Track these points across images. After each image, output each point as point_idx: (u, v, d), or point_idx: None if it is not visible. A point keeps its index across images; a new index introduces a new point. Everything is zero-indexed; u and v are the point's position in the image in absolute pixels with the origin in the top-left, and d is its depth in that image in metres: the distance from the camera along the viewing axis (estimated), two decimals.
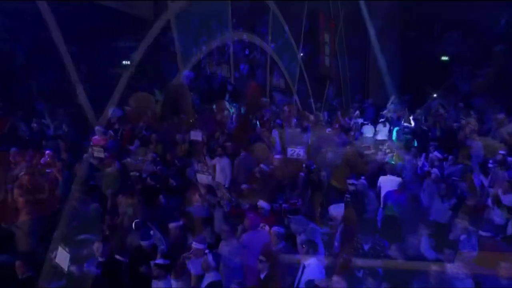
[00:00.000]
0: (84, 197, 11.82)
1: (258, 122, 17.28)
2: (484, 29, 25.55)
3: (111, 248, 9.68)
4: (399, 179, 13.06)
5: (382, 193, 13.07)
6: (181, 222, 10.17)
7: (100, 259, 8.83)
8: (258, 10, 26.54)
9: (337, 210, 11.64)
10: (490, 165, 13.53)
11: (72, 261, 8.71)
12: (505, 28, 25.77)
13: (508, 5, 24.87)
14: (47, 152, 13.88)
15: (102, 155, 13.99)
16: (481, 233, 9.72)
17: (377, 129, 17.56)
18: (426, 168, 14.05)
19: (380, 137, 17.18)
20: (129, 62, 22.20)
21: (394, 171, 13.71)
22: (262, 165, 13.54)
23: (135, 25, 24.68)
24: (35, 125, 16.13)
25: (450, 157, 14.62)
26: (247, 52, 23.98)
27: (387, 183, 13.11)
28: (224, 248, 9.22)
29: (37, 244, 10.03)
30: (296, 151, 14.40)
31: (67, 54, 20.98)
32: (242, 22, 25.77)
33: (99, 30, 23.40)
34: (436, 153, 14.37)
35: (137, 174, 13.20)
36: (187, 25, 25.00)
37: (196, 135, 15.12)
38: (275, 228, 9.45)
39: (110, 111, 17.57)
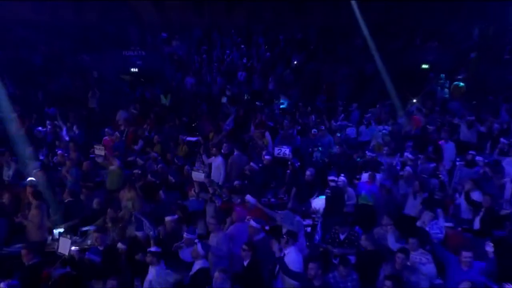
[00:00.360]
0: (89, 192, 11.91)
1: (252, 124, 17.04)
2: (460, 39, 25.66)
3: (113, 238, 9.80)
4: (378, 175, 12.95)
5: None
6: (176, 216, 10.13)
7: (100, 248, 8.82)
8: (255, 21, 26.74)
9: (319, 204, 11.72)
10: (457, 163, 13.55)
11: (75, 248, 8.98)
12: (477, 39, 25.74)
13: (479, 18, 24.89)
14: (59, 152, 13.98)
15: (102, 153, 14.07)
16: (446, 224, 9.77)
17: (360, 130, 17.40)
18: (398, 167, 13.92)
19: (363, 138, 17.03)
20: (136, 69, 22.70)
21: (373, 169, 13.33)
22: (252, 164, 13.51)
23: (142, 35, 25.15)
24: (49, 127, 16.09)
25: (421, 156, 14.32)
26: (244, 61, 24.01)
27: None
28: (213, 239, 9.19)
29: (44, 235, 10.01)
30: (283, 150, 14.33)
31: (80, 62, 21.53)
32: (241, 32, 26.28)
33: (110, 40, 24.05)
34: (407, 154, 14.09)
35: (139, 172, 13.08)
36: (190, 35, 25.51)
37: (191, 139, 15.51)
38: (252, 222, 9.49)
39: (120, 114, 17.65)
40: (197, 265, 8.31)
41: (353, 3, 22.73)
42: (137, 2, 26.01)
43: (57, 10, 24.19)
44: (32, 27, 22.74)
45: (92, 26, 24.78)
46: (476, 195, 11.10)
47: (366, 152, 14.96)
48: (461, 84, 22.67)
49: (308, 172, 12.89)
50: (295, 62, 23.72)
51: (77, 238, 10.02)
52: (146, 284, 8.27)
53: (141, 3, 26.09)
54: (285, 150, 14.40)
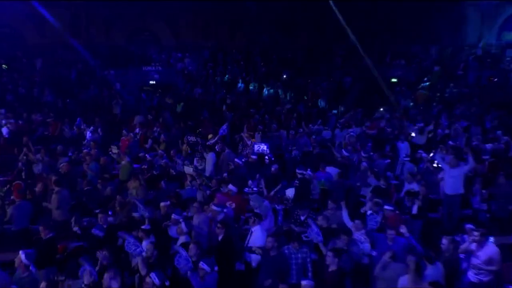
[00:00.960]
0: (104, 182, 11.85)
1: (246, 127, 16.88)
2: (421, 58, 25.74)
3: (120, 219, 9.77)
4: (337, 170, 12.90)
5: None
6: (168, 202, 10.15)
7: (104, 225, 8.91)
8: (253, 43, 26.81)
9: (290, 192, 11.81)
10: (404, 159, 13.71)
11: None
12: (436, 57, 25.88)
13: (437, 41, 25.01)
14: (84, 150, 14.01)
15: (116, 151, 14.37)
16: (386, 207, 9.77)
17: (335, 133, 17.18)
18: (356, 162, 13.80)
19: (337, 140, 16.63)
20: (154, 82, 22.95)
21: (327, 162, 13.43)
22: (236, 159, 13.37)
23: (160, 54, 25.07)
24: (75, 129, 16.19)
25: (376, 154, 14.30)
26: (244, 75, 23.82)
27: (331, 171, 12.75)
28: (195, 219, 9.25)
29: (66, 215, 10.11)
30: (261, 147, 14.50)
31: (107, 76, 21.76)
32: (241, 52, 26.17)
33: (133, 58, 24.08)
34: (362, 152, 14.01)
35: (146, 166, 13.08)
36: (198, 54, 25.50)
37: (192, 137, 15.30)
38: (213, 206, 9.57)
39: (136, 118, 17.68)
40: (181, 240, 8.51)
41: (333, 29, 22.87)
42: (156, 27, 26.45)
43: (91, 34, 24.69)
44: (70, 48, 22.70)
45: (118, 46, 24.90)
46: (410, 187, 11.26)
47: (343, 150, 14.72)
48: (424, 91, 22.77)
49: (272, 168, 12.81)
50: (284, 76, 23.67)
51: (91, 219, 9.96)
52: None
53: (159, 28, 26.48)
54: (263, 147, 14.56)
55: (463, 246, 7.89)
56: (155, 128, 16.56)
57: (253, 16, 25.47)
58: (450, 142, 14.78)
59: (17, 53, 22.67)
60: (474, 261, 7.60)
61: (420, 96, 22.51)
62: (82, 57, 22.47)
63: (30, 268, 7.27)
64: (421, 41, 25.56)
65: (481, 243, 7.59)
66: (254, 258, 8.47)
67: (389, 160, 14.03)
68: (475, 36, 27.26)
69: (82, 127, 16.50)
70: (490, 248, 7.70)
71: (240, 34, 26.80)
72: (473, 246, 7.61)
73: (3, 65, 20.36)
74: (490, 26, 27.23)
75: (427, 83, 23.42)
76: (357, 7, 23.31)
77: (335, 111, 20.37)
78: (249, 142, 15.65)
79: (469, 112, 19.01)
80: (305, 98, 22.43)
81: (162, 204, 10.03)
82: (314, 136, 16.48)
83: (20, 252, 7.32)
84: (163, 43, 25.82)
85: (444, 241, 7.98)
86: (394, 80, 23.72)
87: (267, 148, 14.51)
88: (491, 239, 8.06)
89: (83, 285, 6.93)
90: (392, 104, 20.75)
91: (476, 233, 7.64)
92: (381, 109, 19.82)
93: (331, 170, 12.86)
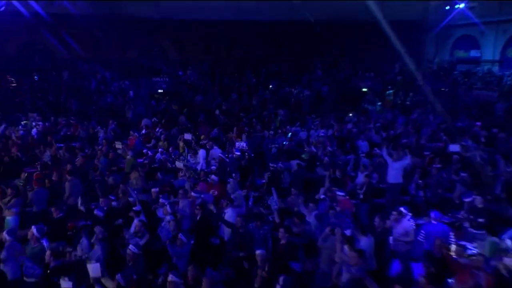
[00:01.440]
0: (111, 173, 11.80)
1: (235, 128, 16.84)
2: (386, 72, 26.17)
3: (122, 203, 9.76)
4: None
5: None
6: (157, 189, 10.22)
7: (105, 208, 9.02)
8: (246, 58, 26.81)
9: (262, 182, 12.03)
10: (361, 155, 13.77)
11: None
12: (398, 71, 25.91)
13: (399, 58, 24.23)
14: (98, 148, 13.94)
15: (121, 147, 14.22)
16: (338, 193, 9.98)
17: (310, 134, 16.86)
18: (322, 157, 13.54)
19: (312, 139, 16.03)
20: (162, 91, 22.91)
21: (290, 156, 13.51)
22: (220, 154, 13.25)
23: (167, 67, 25.13)
24: (91, 130, 16.23)
25: (339, 150, 14.46)
26: (237, 85, 23.85)
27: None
28: (180, 203, 9.41)
29: (77, 200, 10.13)
30: (241, 144, 14.43)
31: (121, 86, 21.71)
32: (236, 67, 26.10)
33: (144, 70, 24.05)
34: (328, 148, 14.07)
35: (147, 161, 13.15)
36: (199, 67, 25.36)
37: (188, 136, 15.18)
38: (193, 192, 9.86)
39: (143, 121, 17.58)
40: (166, 219, 8.57)
41: (314, 47, 23.13)
42: (164, 44, 26.58)
43: (108, 50, 24.77)
44: (90, 62, 22.93)
45: (131, 60, 24.95)
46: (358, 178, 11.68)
47: (312, 147, 14.73)
48: (391, 97, 22.75)
49: (242, 162, 12.94)
50: (270, 86, 23.67)
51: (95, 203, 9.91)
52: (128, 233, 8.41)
53: (166, 45, 26.63)
54: (243, 144, 14.52)
55: (388, 222, 8.25)
56: (157, 129, 16.47)
57: (246, 36, 25.57)
58: (403, 140, 14.79)
59: (48, 66, 22.75)
60: (394, 234, 8.01)
61: (387, 102, 22.43)
62: (101, 69, 22.60)
63: (41, 240, 7.37)
64: (387, 59, 25.59)
65: (398, 221, 8.05)
66: (226, 233, 8.67)
67: (351, 156, 13.98)
68: (431, 54, 27.71)
69: (96, 129, 16.50)
70: (405, 224, 8.13)
71: (234, 51, 26.84)
72: (393, 223, 8.08)
73: (10, 79, 20.34)
74: (443, 45, 27.67)
75: (391, 91, 23.33)
76: (336, 31, 23.51)
77: (313, 116, 20.29)
78: (235, 141, 15.44)
79: (422, 117, 19.03)
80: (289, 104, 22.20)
81: (152, 190, 10.15)
82: (288, 136, 16.35)
83: (33, 227, 7.48)
84: (170, 58, 25.88)
85: (376, 219, 8.38)
86: (364, 89, 23.82)
87: (245, 145, 14.44)
88: (408, 217, 8.50)
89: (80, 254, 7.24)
90: (361, 109, 21.08)
91: (394, 213, 8.16)
92: (350, 114, 19.85)
93: (294, 162, 12.80)
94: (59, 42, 21.37)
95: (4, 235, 7.48)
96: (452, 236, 8.28)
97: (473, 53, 26.62)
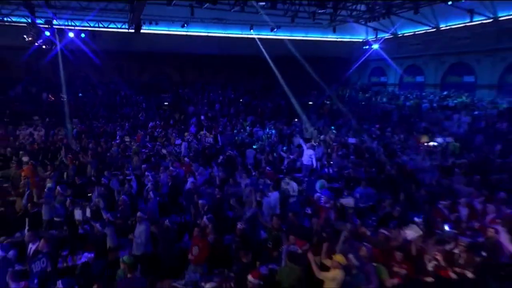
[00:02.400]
0: (122, 158, 11.96)
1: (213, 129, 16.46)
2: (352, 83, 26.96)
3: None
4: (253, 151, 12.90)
5: (248, 158, 12.56)
6: (145, 165, 10.40)
7: (108, 177, 9.20)
8: (228, 80, 26.37)
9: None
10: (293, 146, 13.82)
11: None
12: (359, 84, 26.86)
13: (336, 80, 25.16)
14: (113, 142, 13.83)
15: (128, 139, 14.42)
16: (267, 168, 10.60)
17: (265, 132, 16.59)
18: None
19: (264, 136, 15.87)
20: (167, 103, 22.58)
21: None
22: (195, 145, 13.39)
23: (171, 86, 24.75)
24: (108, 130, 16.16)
25: (280, 143, 14.52)
26: (221, 98, 23.55)
27: (251, 153, 12.74)
28: (162, 176, 9.53)
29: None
30: (208, 139, 14.65)
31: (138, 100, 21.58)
32: (220, 86, 25.62)
33: (154, 88, 23.81)
34: (280, 147, 13.97)
35: (147, 150, 13.21)
36: (193, 86, 25.10)
37: (175, 134, 15.20)
38: (171, 167, 10.12)
39: (150, 124, 17.44)
40: (149, 184, 8.65)
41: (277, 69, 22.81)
42: (168, 70, 26.10)
43: (129, 75, 24.45)
44: (116, 83, 22.80)
45: (145, 81, 24.65)
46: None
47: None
48: (328, 107, 22.73)
49: (207, 151, 12.85)
50: (241, 100, 23.56)
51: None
52: (122, 189, 8.55)
53: (171, 71, 26.19)
54: (210, 139, 14.60)
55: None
56: (157, 129, 16.37)
57: (227, 64, 25.38)
58: (321, 137, 15.04)
59: (87, 87, 22.55)
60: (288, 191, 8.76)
61: (325, 108, 22.50)
62: (124, 88, 22.50)
63: (64, 194, 7.79)
64: (325, 81, 25.12)
65: (290, 184, 8.87)
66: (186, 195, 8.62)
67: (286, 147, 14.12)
68: (355, 79, 28.12)
69: (116, 128, 16.38)
70: (294, 186, 8.87)
71: (219, 75, 26.48)
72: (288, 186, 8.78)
73: (62, 96, 20.09)
74: (363, 73, 28.08)
75: (328, 103, 23.55)
76: (291, 63, 23.17)
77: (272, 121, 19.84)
78: (210, 137, 15.28)
79: (343, 121, 19.28)
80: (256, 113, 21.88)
81: (142, 166, 10.49)
82: (247, 133, 16.31)
83: (58, 186, 7.98)
84: (173, 80, 25.65)
85: (282, 183, 9.03)
86: (310, 103, 23.85)
87: (212, 140, 14.57)
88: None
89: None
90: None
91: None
92: (296, 120, 19.87)
93: (250, 151, 12.91)
94: (94, 69, 21.02)
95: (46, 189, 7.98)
96: (332, 195, 8.63)
97: (382, 79, 26.89)
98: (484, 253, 6.31)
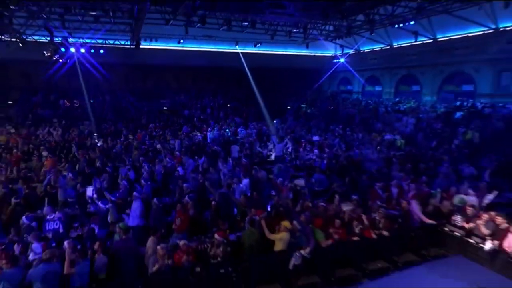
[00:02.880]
0: (125, 152, 12.17)
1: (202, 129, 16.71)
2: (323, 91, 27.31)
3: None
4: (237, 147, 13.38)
5: (233, 153, 12.98)
6: (142, 157, 10.75)
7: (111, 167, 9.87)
8: (219, 88, 26.23)
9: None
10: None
11: None
12: (329, 91, 27.37)
13: (330, 82, 25.71)
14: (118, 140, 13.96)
15: (131, 137, 14.59)
16: (243, 159, 11.05)
17: (247, 131, 16.89)
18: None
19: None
20: (165, 108, 22.35)
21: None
22: (186, 142, 13.72)
23: (168, 93, 24.18)
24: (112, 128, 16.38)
25: (258, 140, 14.84)
26: (212, 103, 23.42)
27: (234, 148, 13.24)
28: (157, 167, 9.94)
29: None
30: (198, 136, 15.06)
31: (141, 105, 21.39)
32: (212, 93, 25.34)
33: (155, 95, 23.49)
34: (257, 143, 14.10)
35: (146, 146, 13.29)
36: (189, 92, 24.75)
37: (169, 134, 15.31)
38: (168, 159, 10.56)
39: (150, 125, 17.46)
40: (144, 174, 9.20)
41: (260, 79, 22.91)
42: (168, 79, 25.65)
43: (133, 83, 24.18)
44: (121, 90, 22.84)
45: (148, 89, 24.52)
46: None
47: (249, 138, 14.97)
48: (304, 110, 22.96)
49: (194, 147, 13.18)
50: (229, 105, 23.62)
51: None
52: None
53: (170, 80, 25.82)
54: (199, 136, 14.95)
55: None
56: (156, 130, 16.54)
57: (218, 74, 25.43)
58: (292, 135, 15.68)
59: (97, 94, 22.18)
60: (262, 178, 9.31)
61: (302, 112, 22.54)
62: (128, 95, 22.53)
63: (76, 183, 8.43)
64: (301, 89, 25.87)
65: (259, 172, 9.40)
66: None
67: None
68: (327, 86, 28.37)
69: (122, 128, 16.61)
70: (263, 174, 9.45)
71: (210, 83, 26.42)
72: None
73: (76, 102, 20.27)
74: (333, 82, 28.31)
75: (304, 106, 23.84)
76: (271, 73, 23.62)
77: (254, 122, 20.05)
78: (199, 135, 15.61)
79: (314, 122, 19.48)
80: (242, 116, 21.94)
81: (140, 158, 10.97)
82: (232, 132, 16.41)
83: (70, 173, 8.65)
84: (171, 88, 25.49)
85: (254, 171, 9.51)
86: (288, 107, 24.02)
87: (200, 137, 14.86)
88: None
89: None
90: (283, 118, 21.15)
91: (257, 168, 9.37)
92: (274, 121, 19.90)
93: (234, 147, 13.40)
94: (104, 78, 20.74)
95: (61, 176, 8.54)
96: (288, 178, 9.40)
97: (349, 87, 27.18)
98: (400, 220, 7.18)
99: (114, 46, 18.65)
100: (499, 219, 6.38)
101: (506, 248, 6.07)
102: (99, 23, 14.29)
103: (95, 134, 15.69)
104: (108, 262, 5.27)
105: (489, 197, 7.67)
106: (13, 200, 7.03)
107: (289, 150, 13.31)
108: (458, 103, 17.19)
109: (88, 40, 17.32)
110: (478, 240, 6.55)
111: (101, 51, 17.75)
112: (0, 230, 5.97)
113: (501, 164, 10.41)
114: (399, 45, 20.10)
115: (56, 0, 10.80)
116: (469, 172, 10.32)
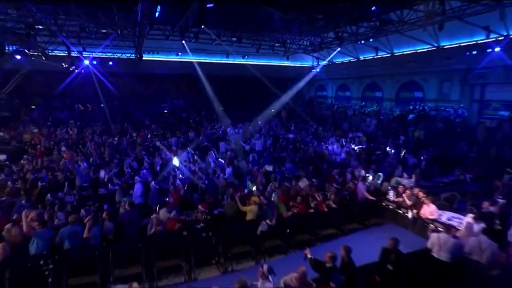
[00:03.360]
0: (131, 147, 12.53)
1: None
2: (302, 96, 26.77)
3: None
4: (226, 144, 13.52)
5: (221, 148, 13.14)
6: (144, 152, 11.12)
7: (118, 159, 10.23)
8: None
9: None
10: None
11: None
12: (307, 96, 27.24)
13: (308, 89, 25.29)
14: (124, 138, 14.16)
15: (134, 134, 15.08)
16: (229, 153, 11.36)
17: (235, 131, 16.70)
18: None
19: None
20: (166, 111, 22.65)
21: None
22: (182, 139, 13.94)
23: (168, 98, 24.13)
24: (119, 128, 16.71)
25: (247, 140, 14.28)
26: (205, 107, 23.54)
27: (222, 145, 13.37)
28: (156, 159, 10.38)
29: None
30: (191, 135, 15.18)
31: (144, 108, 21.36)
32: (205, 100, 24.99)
33: (157, 100, 23.61)
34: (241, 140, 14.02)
35: (147, 143, 13.41)
36: (184, 97, 24.59)
37: (169, 134, 15.43)
38: (166, 152, 10.90)
39: (152, 126, 17.46)
40: (145, 165, 9.77)
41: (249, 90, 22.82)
42: (167, 85, 25.46)
43: (138, 90, 24.08)
44: (127, 96, 22.92)
45: (150, 94, 24.57)
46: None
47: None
48: (285, 111, 22.69)
49: (188, 143, 13.12)
50: (221, 108, 22.70)
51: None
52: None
53: (169, 86, 25.70)
54: (192, 134, 15.28)
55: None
56: (157, 129, 16.85)
57: (212, 82, 24.20)
58: (271, 133, 16.16)
59: (106, 98, 21.40)
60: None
61: (284, 113, 22.73)
62: (133, 99, 22.74)
63: (89, 171, 9.20)
64: (283, 95, 25.09)
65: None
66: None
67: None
68: (305, 92, 28.34)
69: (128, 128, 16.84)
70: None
71: (205, 90, 24.09)
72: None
73: (89, 106, 20.47)
74: (311, 88, 28.44)
75: (286, 109, 23.69)
76: (258, 81, 23.29)
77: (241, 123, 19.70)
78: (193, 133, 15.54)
79: (293, 121, 19.76)
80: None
81: (142, 152, 11.57)
82: (221, 131, 16.45)
83: (85, 163, 9.45)
84: (170, 93, 25.44)
85: (235, 161, 10.47)
86: (273, 110, 23.87)
87: (194, 135, 15.04)
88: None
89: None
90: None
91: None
92: (259, 122, 19.95)
93: (222, 144, 13.61)
94: (112, 86, 20.38)
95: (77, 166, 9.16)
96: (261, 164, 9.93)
97: (324, 93, 27.50)
98: (348, 197, 8.09)
99: (121, 58, 19.09)
100: (420, 194, 7.34)
101: (422, 215, 7.04)
102: (108, 39, 14.91)
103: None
104: (115, 228, 6.04)
105: (412, 180, 8.56)
106: (39, 184, 7.70)
107: (269, 145, 13.97)
108: (411, 107, 18.09)
109: (99, 54, 17.65)
110: (405, 210, 7.50)
111: (110, 62, 18.09)
112: (30, 207, 6.65)
113: (435, 156, 11.37)
114: (364, 58, 21.02)
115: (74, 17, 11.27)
116: (412, 162, 11.38)
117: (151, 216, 5.95)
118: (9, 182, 7.91)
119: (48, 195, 6.92)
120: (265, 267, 3.97)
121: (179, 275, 5.46)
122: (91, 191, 8.31)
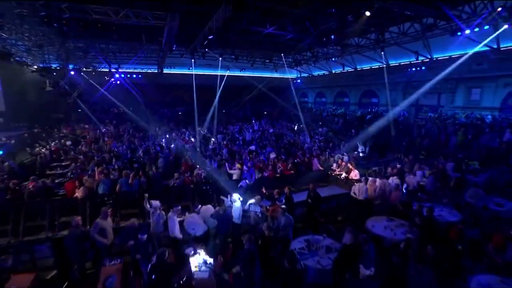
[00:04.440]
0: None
1: None
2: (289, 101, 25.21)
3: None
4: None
5: (219, 139, 13.64)
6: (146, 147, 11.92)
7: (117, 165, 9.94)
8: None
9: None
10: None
11: None
12: (292, 101, 24.53)
13: (296, 95, 25.28)
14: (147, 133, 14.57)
15: (157, 130, 15.61)
16: (224, 150, 12.69)
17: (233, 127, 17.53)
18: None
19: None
20: (180, 113, 23.34)
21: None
22: (186, 137, 14.62)
23: (182, 103, 24.85)
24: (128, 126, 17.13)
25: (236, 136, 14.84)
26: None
27: (220, 136, 14.15)
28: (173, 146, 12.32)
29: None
30: (187, 134, 15.35)
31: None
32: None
33: (171, 104, 24.43)
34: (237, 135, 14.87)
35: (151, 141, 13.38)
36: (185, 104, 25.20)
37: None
38: (172, 146, 11.65)
39: (170, 124, 18.64)
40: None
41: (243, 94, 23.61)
42: (182, 93, 25.81)
43: (157, 97, 24.68)
44: (150, 101, 23.20)
45: (169, 101, 25.26)
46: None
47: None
48: (275, 112, 23.27)
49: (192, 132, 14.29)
50: (224, 111, 23.59)
51: None
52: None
53: (183, 94, 25.85)
54: (187, 134, 15.35)
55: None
56: (174, 126, 17.77)
57: (216, 91, 25.04)
58: (261, 128, 17.35)
59: (134, 103, 21.19)
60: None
61: (274, 114, 23.27)
62: (155, 104, 23.58)
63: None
64: (274, 100, 24.91)
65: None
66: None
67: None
68: (293, 98, 26.04)
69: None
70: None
71: (213, 97, 23.43)
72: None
73: (120, 109, 20.27)
74: (297, 95, 26.12)
75: (276, 110, 23.94)
76: (253, 90, 23.94)
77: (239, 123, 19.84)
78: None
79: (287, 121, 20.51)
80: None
81: (163, 139, 12.95)
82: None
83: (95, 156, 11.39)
84: (185, 100, 25.50)
85: (231, 146, 12.39)
86: (265, 112, 24.98)
87: (188, 135, 15.15)
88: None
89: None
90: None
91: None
92: (253, 121, 20.10)
93: (219, 136, 14.32)
94: (138, 94, 20.90)
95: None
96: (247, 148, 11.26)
97: (306, 99, 28.01)
98: (304, 168, 9.99)
99: (146, 72, 20.52)
100: (351, 165, 9.31)
101: (350, 177, 9.03)
102: (137, 58, 16.88)
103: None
104: (147, 182, 8.07)
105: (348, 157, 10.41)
106: (95, 158, 9.74)
107: (256, 136, 15.73)
108: (369, 110, 19.95)
109: (130, 69, 19.22)
110: (342, 176, 9.47)
111: (139, 76, 19.57)
112: (92, 171, 8.63)
113: (376, 143, 13.30)
114: (335, 72, 22.90)
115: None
116: (361, 149, 13.22)
117: (174, 174, 7.85)
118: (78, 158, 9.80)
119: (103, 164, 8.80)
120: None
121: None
122: (128, 165, 9.66)
